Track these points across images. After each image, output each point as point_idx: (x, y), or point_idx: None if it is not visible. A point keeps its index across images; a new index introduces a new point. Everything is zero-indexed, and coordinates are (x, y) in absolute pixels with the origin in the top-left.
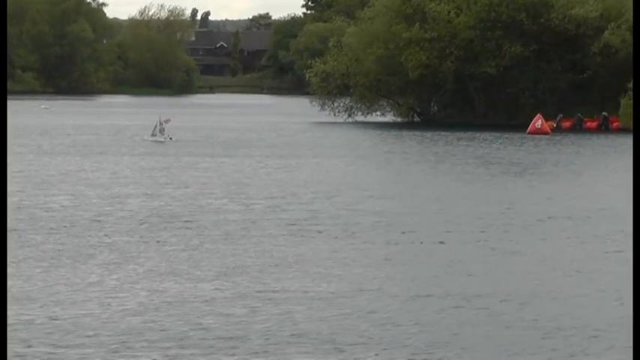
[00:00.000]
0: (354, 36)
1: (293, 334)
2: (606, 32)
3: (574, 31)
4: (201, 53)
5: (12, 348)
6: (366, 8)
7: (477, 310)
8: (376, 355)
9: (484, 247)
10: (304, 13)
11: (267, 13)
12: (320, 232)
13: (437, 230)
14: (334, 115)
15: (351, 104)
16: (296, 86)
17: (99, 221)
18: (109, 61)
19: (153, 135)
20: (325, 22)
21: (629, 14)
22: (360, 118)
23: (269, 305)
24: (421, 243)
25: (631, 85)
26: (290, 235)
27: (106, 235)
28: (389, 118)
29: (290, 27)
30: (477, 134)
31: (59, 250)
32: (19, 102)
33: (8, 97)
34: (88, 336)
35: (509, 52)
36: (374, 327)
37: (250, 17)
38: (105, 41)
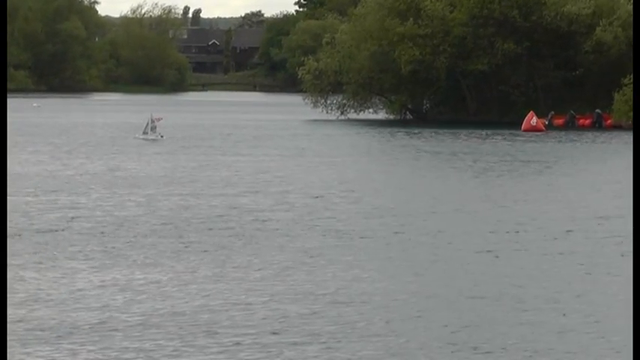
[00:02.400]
0: (347, 33)
1: (346, 336)
2: (598, 29)
3: (566, 29)
4: (193, 51)
5: (59, 351)
6: (359, 5)
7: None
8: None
9: (520, 249)
10: (297, 11)
11: (260, 11)
12: (359, 232)
13: (465, 232)
14: (327, 112)
15: (343, 101)
16: (288, 84)
17: (135, 222)
18: (101, 59)
19: (144, 133)
20: (317, 19)
21: (622, 11)
22: (352, 115)
23: (323, 306)
24: (457, 245)
25: (625, 81)
26: (330, 235)
27: (144, 237)
28: (381, 115)
29: (282, 25)
30: (482, 132)
31: (100, 251)
32: (12, 100)
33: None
34: (142, 339)
35: (502, 50)
36: (429, 330)
37: (243, 15)
38: (97, 39)
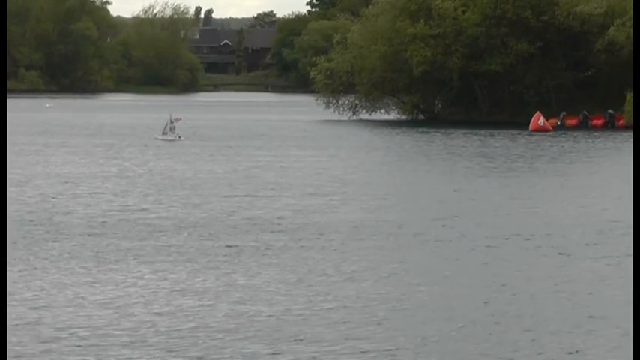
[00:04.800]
0: (359, 33)
1: (436, 340)
2: (611, 29)
3: (578, 29)
4: (205, 51)
5: (136, 357)
6: (370, 6)
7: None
8: None
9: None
10: (308, 11)
11: (272, 11)
12: (420, 234)
13: (488, 234)
14: (339, 113)
15: (355, 102)
16: (300, 84)
17: (192, 225)
18: (113, 60)
19: (164, 133)
20: (329, 19)
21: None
22: (364, 115)
23: (403, 312)
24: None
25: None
26: (391, 238)
27: (204, 239)
28: (393, 115)
29: (294, 25)
30: (500, 132)
31: (162, 254)
32: (24, 100)
33: (12, 95)
34: (224, 346)
35: (515, 50)
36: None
37: (254, 15)
38: (109, 39)
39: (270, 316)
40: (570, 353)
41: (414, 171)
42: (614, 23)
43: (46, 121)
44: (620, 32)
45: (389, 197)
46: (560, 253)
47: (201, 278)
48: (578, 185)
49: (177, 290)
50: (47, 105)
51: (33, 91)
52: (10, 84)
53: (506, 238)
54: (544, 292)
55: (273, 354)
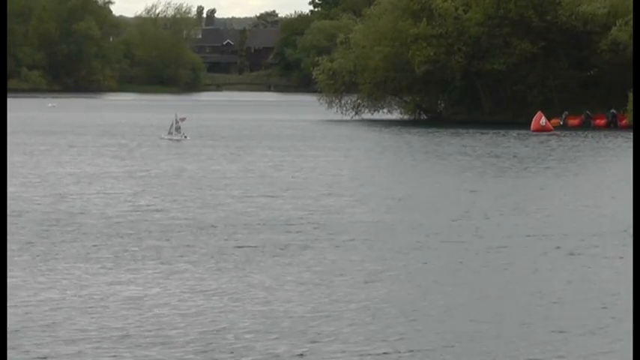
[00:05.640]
0: (361, 33)
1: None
2: (614, 29)
3: (581, 28)
4: (207, 51)
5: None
6: (372, 5)
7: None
8: None
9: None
10: (311, 11)
11: (274, 11)
12: (440, 234)
13: (501, 237)
14: (341, 112)
15: (358, 101)
16: (303, 84)
17: (212, 225)
18: (115, 59)
19: (169, 133)
20: (332, 19)
21: None
22: (366, 115)
23: (428, 317)
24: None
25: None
26: (411, 238)
27: (223, 239)
28: (395, 115)
29: (297, 25)
30: (504, 132)
31: (184, 254)
32: (26, 100)
33: (15, 95)
34: (254, 347)
35: (518, 49)
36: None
37: (257, 15)
38: (111, 39)
39: (293, 316)
40: (596, 355)
41: (426, 171)
42: (617, 23)
43: (50, 121)
44: (623, 32)
45: (404, 197)
46: (579, 254)
47: (221, 278)
48: (590, 185)
49: (198, 291)
50: (50, 105)
51: (35, 90)
52: (12, 84)
53: (523, 238)
54: (566, 293)
55: (298, 355)
